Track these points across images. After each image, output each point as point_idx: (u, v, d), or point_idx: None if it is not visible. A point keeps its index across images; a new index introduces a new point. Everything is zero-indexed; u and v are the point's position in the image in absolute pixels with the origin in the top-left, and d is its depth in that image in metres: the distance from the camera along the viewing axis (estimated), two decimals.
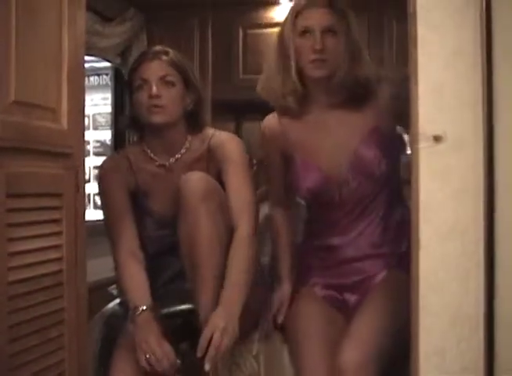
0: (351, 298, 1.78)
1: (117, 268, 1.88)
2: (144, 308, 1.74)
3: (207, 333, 1.66)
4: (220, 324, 1.67)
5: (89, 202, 4.05)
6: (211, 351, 1.65)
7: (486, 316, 1.23)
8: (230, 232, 1.81)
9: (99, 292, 2.13)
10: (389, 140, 1.81)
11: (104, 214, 1.94)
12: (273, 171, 1.97)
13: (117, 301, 2.15)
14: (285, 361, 1.88)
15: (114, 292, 2.17)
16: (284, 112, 1.88)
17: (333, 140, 1.82)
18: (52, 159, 1.44)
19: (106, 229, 1.92)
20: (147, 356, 1.67)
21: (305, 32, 1.77)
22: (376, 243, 1.81)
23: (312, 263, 1.88)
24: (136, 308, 1.74)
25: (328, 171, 1.80)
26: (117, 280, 1.96)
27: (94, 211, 3.96)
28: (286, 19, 1.82)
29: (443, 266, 1.26)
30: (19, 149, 1.32)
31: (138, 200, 1.94)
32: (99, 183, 1.97)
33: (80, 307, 1.53)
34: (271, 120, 1.93)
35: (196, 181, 1.78)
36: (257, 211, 1.93)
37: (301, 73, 1.80)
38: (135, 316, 1.73)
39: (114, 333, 1.92)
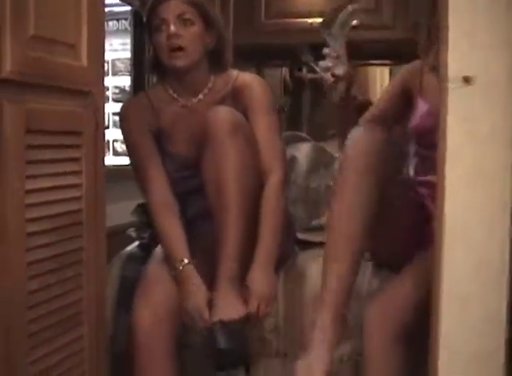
0: None
1: (152, 220, 1.89)
2: (186, 261, 1.76)
3: (253, 304, 1.71)
4: (265, 295, 1.72)
5: (108, 149, 4.03)
6: (258, 319, 1.73)
7: (511, 262, 1.21)
8: (256, 170, 1.80)
9: (116, 237, 2.13)
10: None
11: (130, 156, 1.93)
12: (389, 96, 1.99)
13: (136, 243, 2.16)
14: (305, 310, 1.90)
15: (133, 235, 2.18)
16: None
17: None
18: (72, 97, 1.42)
19: (134, 173, 1.92)
20: (193, 311, 1.71)
21: None
22: None
23: None
24: (178, 261, 1.76)
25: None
26: (155, 233, 1.97)
27: (113, 157, 3.94)
28: None
29: (468, 212, 1.23)
30: (39, 85, 1.31)
31: (159, 141, 1.93)
32: (121, 124, 1.95)
33: (98, 247, 1.53)
34: (415, 63, 1.93)
35: (224, 114, 1.75)
36: (286, 158, 1.92)
37: None
38: (178, 270, 1.76)
39: (133, 273, 1.94)
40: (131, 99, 2.13)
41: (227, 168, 1.71)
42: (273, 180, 1.83)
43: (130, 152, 1.94)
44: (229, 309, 1.68)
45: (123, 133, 1.94)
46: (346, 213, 1.62)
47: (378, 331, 1.61)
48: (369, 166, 1.64)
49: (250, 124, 1.86)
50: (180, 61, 1.84)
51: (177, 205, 1.88)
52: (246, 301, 1.73)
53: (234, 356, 1.66)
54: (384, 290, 1.70)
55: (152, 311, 1.73)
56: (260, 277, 1.73)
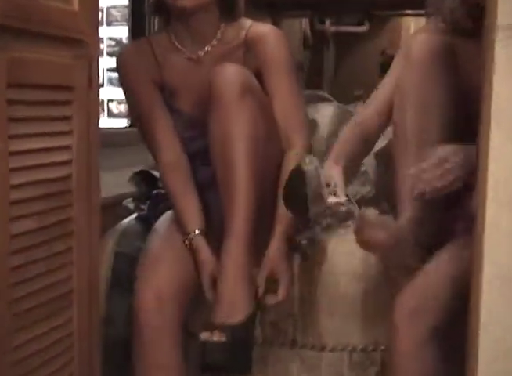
0: None
1: (162, 182, 1.93)
2: (197, 232, 1.78)
3: (283, 292, 1.74)
4: (290, 278, 1.76)
5: (103, 110, 4.03)
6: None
7: None
8: (272, 140, 1.79)
9: (111, 209, 2.14)
10: None
11: (132, 111, 1.95)
12: None
13: (134, 216, 2.16)
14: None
15: (130, 206, 2.18)
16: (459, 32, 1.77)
17: None
18: (62, 46, 1.40)
19: (139, 131, 1.94)
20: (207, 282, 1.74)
21: None
22: None
23: None
24: (187, 233, 1.80)
25: None
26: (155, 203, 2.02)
27: (108, 119, 3.94)
28: None
29: None
30: (23, 31, 1.28)
31: (163, 95, 1.92)
32: (120, 73, 1.94)
33: (91, 219, 1.52)
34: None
35: (231, 73, 1.72)
36: (308, 126, 1.91)
37: None
38: (187, 242, 1.79)
39: (130, 250, 1.95)
40: (131, 44, 2.13)
41: (234, 137, 1.69)
42: (294, 153, 1.82)
43: (132, 106, 1.94)
44: (234, 308, 1.67)
45: (123, 84, 1.94)
46: (422, 110, 1.67)
47: (409, 327, 1.60)
48: (439, 66, 1.68)
49: (266, 85, 1.85)
50: (187, 1, 1.82)
51: (189, 166, 1.89)
52: (257, 288, 1.73)
53: (228, 366, 1.67)
54: (416, 278, 1.68)
55: (156, 294, 1.74)
56: (284, 261, 1.75)
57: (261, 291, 1.73)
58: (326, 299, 1.93)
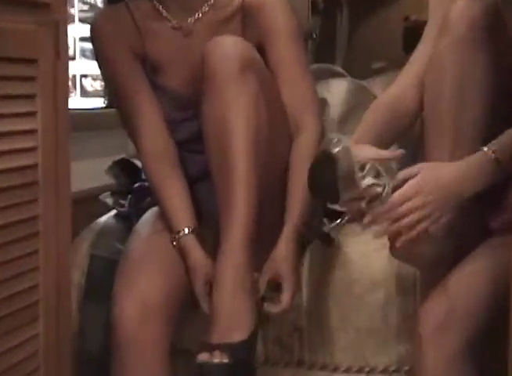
0: None
1: (145, 174, 1.94)
2: (186, 231, 1.80)
3: (287, 300, 1.75)
4: (295, 283, 1.77)
5: (75, 88, 4.03)
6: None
7: None
8: (277, 123, 1.79)
9: (85, 204, 2.14)
10: None
11: (109, 88, 1.94)
12: None
13: (112, 213, 2.17)
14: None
15: (108, 201, 2.19)
16: None
17: None
18: (22, 10, 1.38)
19: (118, 111, 1.94)
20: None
21: None
22: None
23: None
24: (175, 232, 1.82)
25: None
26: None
27: (82, 99, 3.95)
28: None
29: None
30: None
31: (145, 72, 1.92)
32: (95, 43, 1.94)
33: (61, 217, 1.51)
34: None
35: (229, 45, 1.71)
36: (320, 104, 1.94)
37: None
38: (175, 242, 1.81)
39: (107, 252, 1.95)
40: (106, 8, 2.12)
41: (232, 121, 1.69)
42: (305, 137, 1.84)
43: (109, 82, 1.95)
44: (234, 324, 1.65)
45: (98, 55, 1.94)
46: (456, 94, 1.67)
47: (437, 340, 1.61)
48: (483, 37, 1.66)
49: (269, 58, 1.86)
50: None
51: (177, 154, 1.89)
52: (258, 291, 1.75)
53: None
54: (444, 283, 1.68)
55: (139, 303, 1.74)
56: (290, 263, 1.76)
57: (259, 295, 1.74)
58: (338, 310, 1.93)
